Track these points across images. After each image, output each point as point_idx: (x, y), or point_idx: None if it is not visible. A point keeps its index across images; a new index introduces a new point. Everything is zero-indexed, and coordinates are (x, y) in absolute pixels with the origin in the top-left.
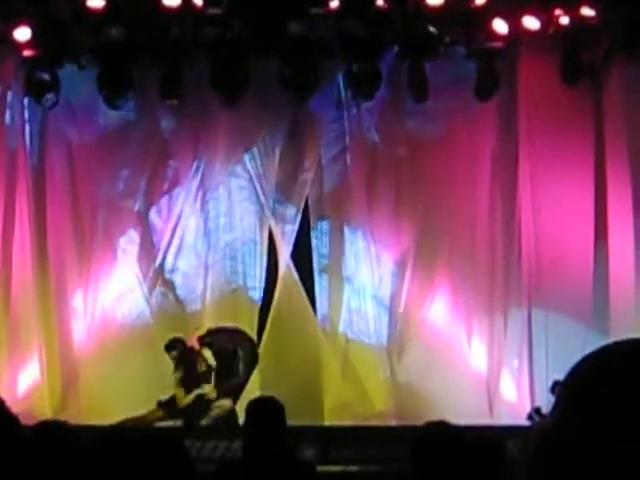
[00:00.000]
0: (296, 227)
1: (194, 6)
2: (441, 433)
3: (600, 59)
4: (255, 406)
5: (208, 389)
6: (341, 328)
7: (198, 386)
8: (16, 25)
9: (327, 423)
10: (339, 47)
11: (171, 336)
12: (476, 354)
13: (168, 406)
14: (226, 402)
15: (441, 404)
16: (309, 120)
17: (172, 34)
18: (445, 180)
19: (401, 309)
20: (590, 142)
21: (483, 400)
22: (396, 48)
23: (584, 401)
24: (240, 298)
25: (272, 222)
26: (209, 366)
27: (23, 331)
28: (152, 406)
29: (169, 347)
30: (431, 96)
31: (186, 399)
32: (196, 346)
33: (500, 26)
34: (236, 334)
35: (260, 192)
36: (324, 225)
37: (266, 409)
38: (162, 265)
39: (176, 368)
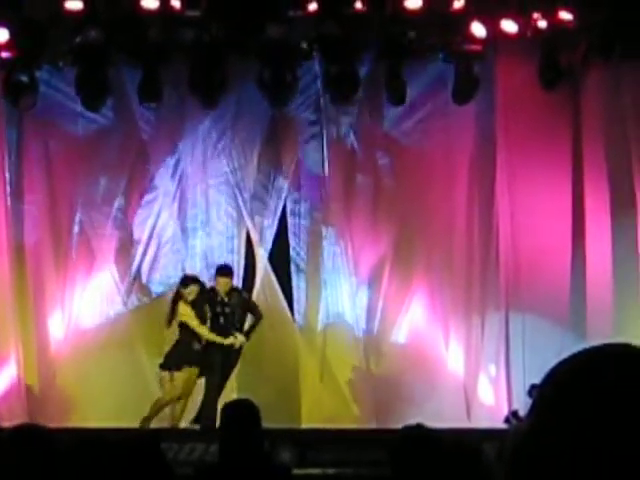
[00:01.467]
0: (274, 229)
1: (172, 8)
2: (419, 436)
3: (578, 63)
4: (231, 409)
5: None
6: (319, 330)
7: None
8: None
9: (304, 426)
10: (317, 50)
11: (150, 336)
12: (453, 357)
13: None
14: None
15: (419, 407)
16: (287, 123)
17: (150, 36)
18: (423, 183)
19: (379, 312)
20: (568, 145)
21: (461, 403)
22: (374, 51)
23: (560, 404)
24: None
25: (250, 224)
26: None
27: (0, 333)
28: (130, 408)
29: (187, 281)
30: (409, 100)
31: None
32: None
33: (478, 30)
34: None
35: (238, 194)
36: (302, 227)
37: (242, 412)
38: (140, 267)
39: (195, 304)
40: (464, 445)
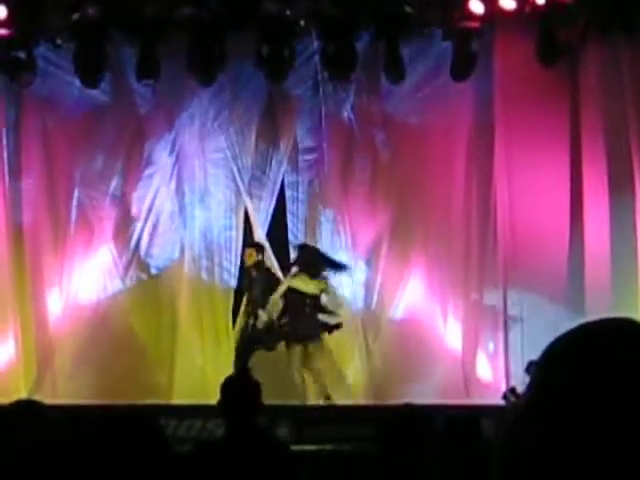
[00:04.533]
0: (272, 207)
1: None
2: (407, 416)
3: (576, 39)
4: (231, 383)
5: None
6: None
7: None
8: None
9: (302, 402)
10: (315, 27)
11: (149, 313)
12: (452, 334)
13: None
14: None
15: (417, 383)
16: (285, 100)
17: (148, 13)
18: (421, 160)
19: (377, 289)
20: (566, 122)
21: (459, 379)
22: (372, 29)
23: (557, 381)
24: (216, 279)
25: (248, 201)
26: None
27: None
28: (127, 384)
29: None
30: (407, 77)
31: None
32: None
33: (476, 6)
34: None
35: (236, 172)
36: (299, 205)
37: (242, 386)
38: (138, 245)
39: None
40: (462, 421)
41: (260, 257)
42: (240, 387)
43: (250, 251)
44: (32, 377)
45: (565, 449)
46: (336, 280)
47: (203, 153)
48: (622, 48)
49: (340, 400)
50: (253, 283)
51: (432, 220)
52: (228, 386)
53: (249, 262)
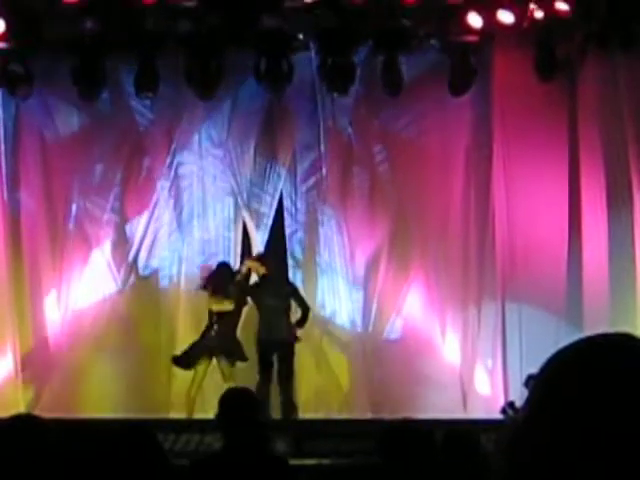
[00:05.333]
0: (270, 220)
1: None
2: (404, 431)
3: (574, 53)
4: (229, 397)
5: None
6: (315, 320)
7: None
8: None
9: (301, 416)
10: (314, 41)
11: (147, 326)
12: (450, 347)
13: None
14: None
15: (415, 397)
16: (283, 114)
17: (147, 27)
18: (419, 174)
19: (375, 302)
20: (564, 135)
21: (457, 394)
22: (371, 42)
23: (556, 395)
24: None
25: (246, 215)
26: None
27: None
28: (126, 394)
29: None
30: (405, 90)
31: None
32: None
33: (475, 20)
34: None
35: (234, 185)
36: (298, 218)
37: (240, 400)
38: (136, 258)
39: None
40: (460, 435)
41: (264, 269)
42: (238, 401)
43: (255, 264)
44: (31, 391)
45: (565, 464)
46: (335, 295)
47: (202, 167)
48: (620, 63)
49: (339, 413)
50: (262, 294)
51: (430, 233)
52: (226, 400)
53: (258, 274)
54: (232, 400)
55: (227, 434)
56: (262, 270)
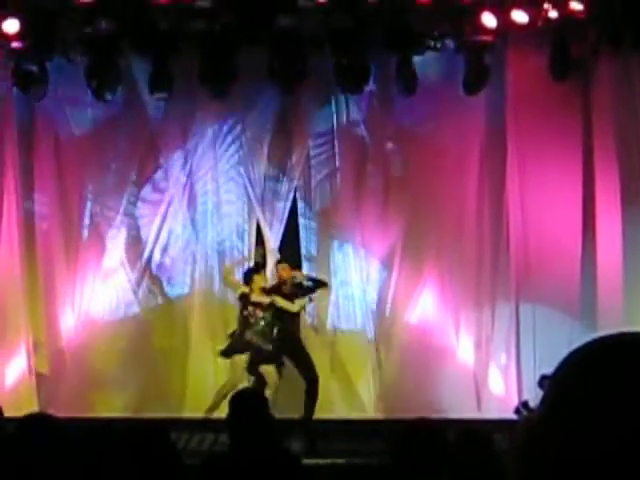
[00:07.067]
0: (284, 220)
1: None
2: (419, 431)
3: (588, 53)
4: (239, 398)
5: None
6: (329, 322)
7: None
8: (5, 17)
9: (315, 416)
10: (328, 41)
11: (161, 326)
12: (464, 348)
13: None
14: None
15: (429, 398)
16: (297, 114)
17: (161, 27)
18: (433, 174)
19: (389, 303)
20: (578, 135)
21: (471, 394)
22: (385, 42)
23: (571, 395)
24: (228, 292)
25: (260, 215)
26: None
27: (11, 323)
28: (140, 398)
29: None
30: (419, 90)
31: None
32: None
33: (489, 20)
34: None
35: (248, 185)
36: (312, 218)
37: (250, 401)
38: (150, 257)
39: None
40: (474, 435)
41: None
42: (248, 400)
43: (283, 265)
44: (45, 391)
45: (580, 464)
46: (349, 294)
47: (216, 166)
48: (634, 62)
49: (352, 414)
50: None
51: (444, 232)
52: (236, 400)
53: (285, 276)
54: (241, 400)
55: (236, 433)
56: (291, 274)
